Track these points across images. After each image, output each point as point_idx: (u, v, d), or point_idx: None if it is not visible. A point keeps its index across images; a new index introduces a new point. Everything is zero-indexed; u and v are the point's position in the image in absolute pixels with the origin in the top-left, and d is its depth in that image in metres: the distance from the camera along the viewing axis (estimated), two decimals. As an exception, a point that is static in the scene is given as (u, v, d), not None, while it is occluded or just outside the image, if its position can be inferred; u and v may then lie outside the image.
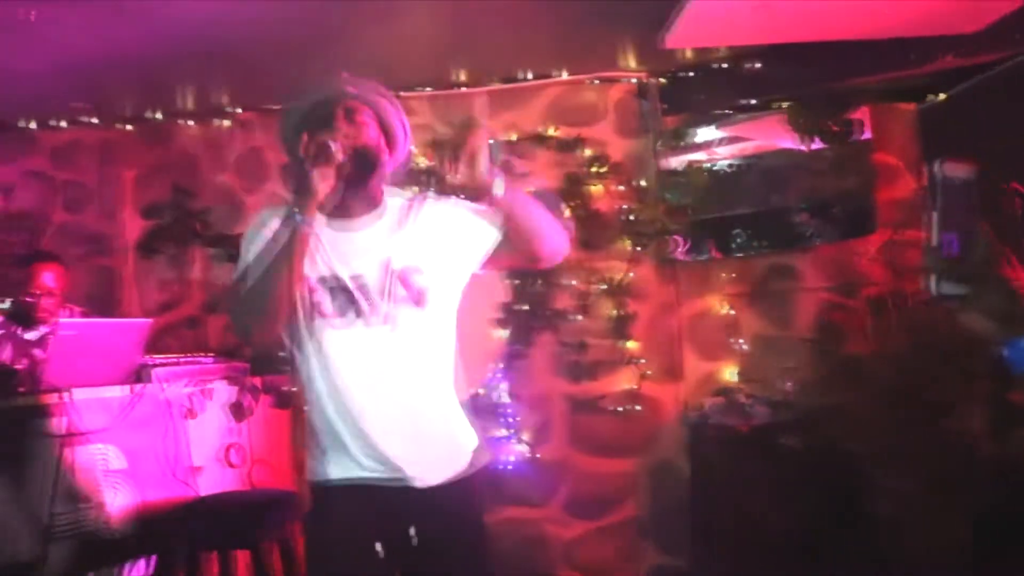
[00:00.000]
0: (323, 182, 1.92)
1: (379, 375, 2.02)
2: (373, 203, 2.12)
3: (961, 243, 3.84)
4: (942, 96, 4.56)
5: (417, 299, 2.05)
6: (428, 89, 4.76)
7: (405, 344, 2.04)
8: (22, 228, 4.92)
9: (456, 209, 2.16)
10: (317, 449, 2.08)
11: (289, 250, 1.91)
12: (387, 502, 2.02)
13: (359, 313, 2.02)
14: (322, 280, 2.03)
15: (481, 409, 4.55)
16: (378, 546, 2.01)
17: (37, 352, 3.89)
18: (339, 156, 1.93)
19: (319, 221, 2.02)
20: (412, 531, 2.04)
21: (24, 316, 4.03)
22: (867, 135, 4.54)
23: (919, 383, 3.79)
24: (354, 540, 2.01)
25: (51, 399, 3.12)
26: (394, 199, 2.16)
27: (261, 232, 2.03)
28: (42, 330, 3.98)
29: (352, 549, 2.01)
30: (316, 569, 2.12)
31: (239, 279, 2.03)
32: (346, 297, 2.03)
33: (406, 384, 2.04)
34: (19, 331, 4.00)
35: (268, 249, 1.96)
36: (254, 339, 2.15)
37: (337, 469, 2.04)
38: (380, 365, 2.02)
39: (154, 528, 3.33)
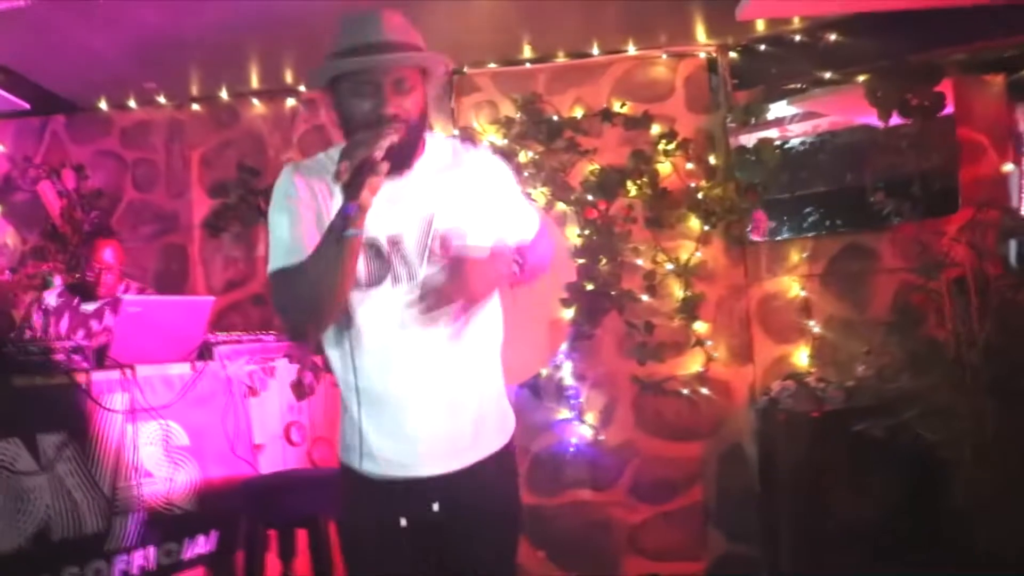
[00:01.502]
0: (373, 191, 1.71)
1: (413, 351, 1.89)
2: (418, 151, 1.96)
3: None
4: (1031, 67, 4.34)
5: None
6: (493, 65, 4.69)
7: (441, 316, 1.89)
8: (95, 207, 5.02)
9: (509, 183, 2.09)
10: (345, 432, 2.02)
11: (341, 262, 1.74)
12: (410, 486, 1.94)
13: (396, 280, 1.89)
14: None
15: (545, 390, 4.50)
16: (403, 521, 1.94)
17: (93, 323, 3.98)
18: (385, 162, 1.73)
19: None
20: (436, 507, 1.95)
21: (84, 290, 4.19)
22: (949, 109, 4.33)
23: (1005, 369, 3.63)
24: (379, 520, 1.96)
25: (116, 375, 3.14)
26: (437, 139, 2.04)
27: (286, 203, 1.89)
28: (99, 303, 4.08)
29: (377, 529, 1.96)
30: (344, 546, 2.08)
31: (277, 270, 1.85)
32: (381, 262, 1.89)
33: (442, 362, 1.92)
34: (77, 303, 4.14)
35: (317, 258, 1.76)
36: (306, 340, 2.07)
37: (360, 459, 1.96)
38: (415, 340, 1.89)
39: (215, 505, 3.36)
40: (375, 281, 1.90)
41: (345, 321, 1.91)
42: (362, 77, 1.84)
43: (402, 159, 1.86)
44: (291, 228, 1.86)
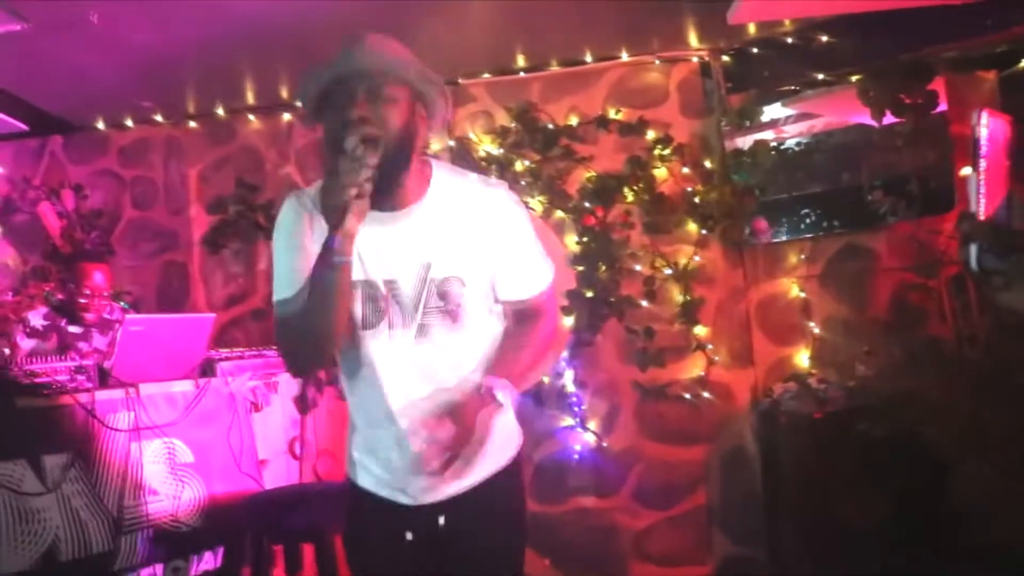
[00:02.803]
0: (359, 217, 1.66)
1: (408, 387, 1.89)
2: (414, 186, 1.87)
3: (1001, 208, 3.57)
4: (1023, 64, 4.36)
5: (454, 315, 1.88)
6: (487, 75, 4.71)
7: (436, 357, 1.89)
8: (95, 226, 5.03)
9: (524, 229, 1.97)
10: (352, 449, 2.05)
11: (334, 291, 1.72)
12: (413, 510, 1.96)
13: (391, 324, 1.87)
14: (354, 285, 1.82)
15: (547, 398, 4.51)
16: (408, 535, 1.95)
17: (82, 345, 3.98)
18: (366, 188, 1.65)
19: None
20: (442, 520, 1.95)
21: (72, 312, 4.13)
22: (942, 107, 4.35)
23: (1005, 365, 3.64)
24: (384, 534, 1.97)
25: (119, 394, 3.16)
26: (444, 174, 1.94)
27: (287, 237, 1.88)
28: (87, 324, 4.07)
29: (382, 542, 1.98)
30: (350, 559, 2.09)
31: (281, 303, 1.84)
32: (376, 306, 1.87)
33: (436, 399, 1.87)
34: (65, 323, 4.09)
35: (311, 289, 1.75)
36: (306, 373, 2.09)
37: (366, 477, 2.00)
38: (409, 377, 1.89)
39: (221, 521, 3.37)
40: (371, 325, 1.88)
41: (350, 351, 1.92)
42: (338, 88, 1.76)
43: (388, 180, 1.76)
44: (292, 261, 1.84)
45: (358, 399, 1.97)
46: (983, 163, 3.35)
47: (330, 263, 1.68)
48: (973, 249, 3.59)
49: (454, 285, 1.87)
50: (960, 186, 4.36)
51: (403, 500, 1.95)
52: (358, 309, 1.86)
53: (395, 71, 1.79)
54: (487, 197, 1.94)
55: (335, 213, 1.65)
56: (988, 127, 3.41)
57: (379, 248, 1.85)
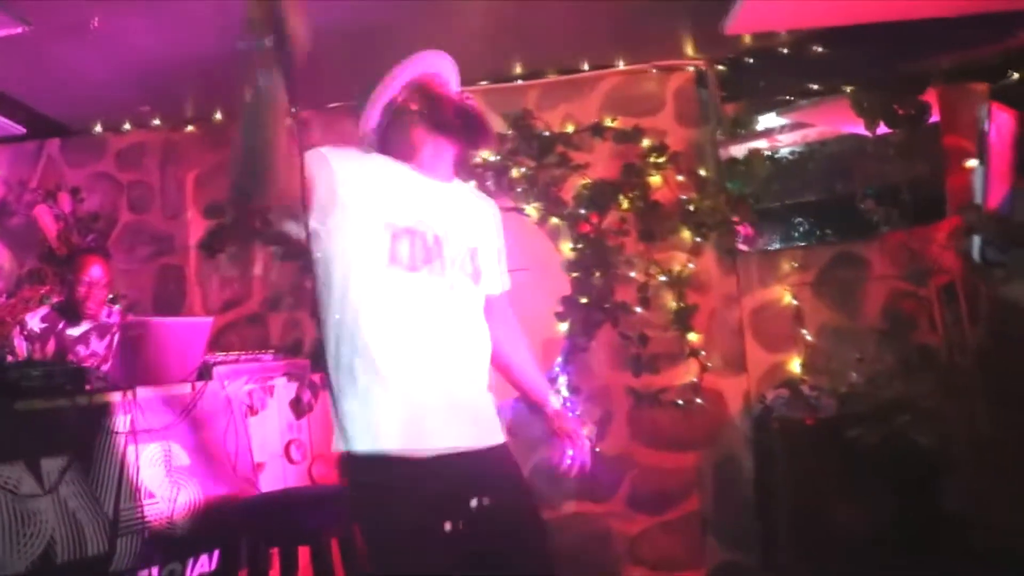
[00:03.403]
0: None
1: (443, 330, 1.99)
2: (453, 173, 2.16)
3: (1005, 201, 3.61)
4: (1015, 75, 4.40)
5: (475, 277, 2.09)
6: (484, 82, 4.74)
7: (463, 309, 2.05)
8: (91, 229, 5.05)
9: (498, 241, 2.26)
10: (365, 410, 1.92)
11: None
12: (450, 474, 1.89)
13: (431, 270, 1.98)
14: (406, 227, 1.96)
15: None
16: (447, 525, 1.86)
17: (80, 348, 3.98)
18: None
19: (404, 167, 2.04)
20: (474, 503, 1.91)
21: (72, 311, 4.10)
22: (935, 118, 4.39)
23: (996, 373, 3.67)
24: (420, 518, 1.85)
25: (117, 397, 3.17)
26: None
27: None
28: (85, 326, 4.07)
29: (418, 528, 1.85)
30: (380, 553, 1.92)
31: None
32: (425, 251, 1.98)
33: (464, 345, 2.04)
34: (63, 327, 4.09)
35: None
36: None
37: (393, 435, 1.89)
38: (445, 321, 1.99)
39: (217, 524, 3.37)
40: (414, 267, 1.96)
41: (377, 292, 1.93)
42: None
43: (468, 135, 2.13)
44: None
45: (387, 341, 1.91)
46: (989, 156, 3.37)
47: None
48: (976, 241, 3.62)
49: (480, 254, 2.12)
50: (951, 195, 4.41)
51: (438, 444, 1.90)
52: (406, 250, 1.95)
53: None
54: (485, 200, 2.29)
55: None
56: (994, 121, 3.44)
57: (435, 201, 2.05)
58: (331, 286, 1.95)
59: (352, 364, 1.93)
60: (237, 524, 3.35)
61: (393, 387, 1.91)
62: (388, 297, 1.93)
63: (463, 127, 2.09)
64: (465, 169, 4.52)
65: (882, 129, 4.40)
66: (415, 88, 2.12)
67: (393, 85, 2.12)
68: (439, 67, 2.18)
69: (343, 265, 1.93)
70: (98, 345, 4.06)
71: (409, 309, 1.95)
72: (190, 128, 5.08)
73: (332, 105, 4.85)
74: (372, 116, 2.13)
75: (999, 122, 3.52)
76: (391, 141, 2.10)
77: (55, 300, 4.46)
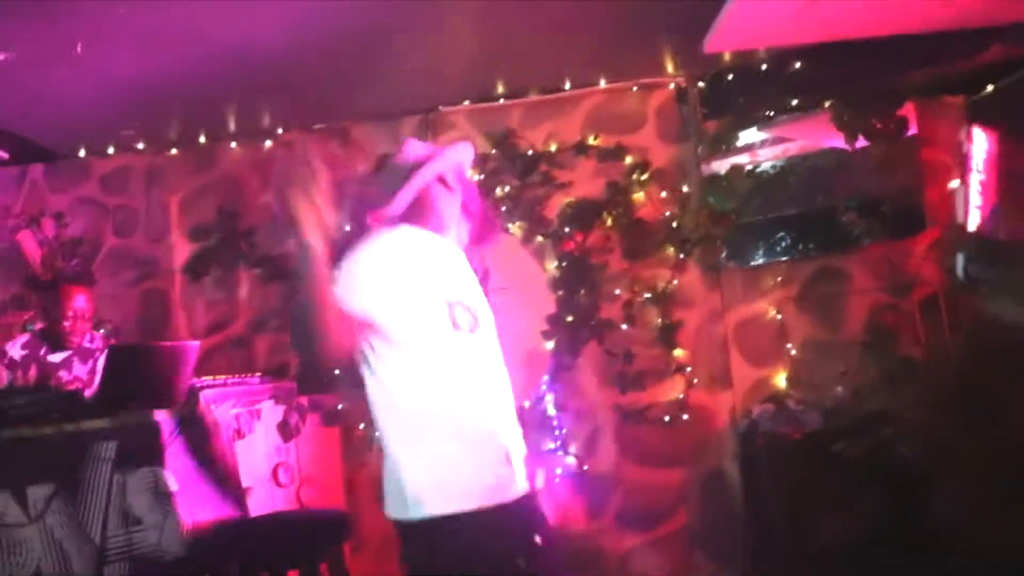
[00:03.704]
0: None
1: (491, 384, 2.15)
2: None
3: (988, 220, 3.68)
4: (990, 88, 4.46)
5: (488, 323, 2.22)
6: (467, 102, 4.76)
7: (494, 357, 2.20)
8: (75, 254, 5.03)
9: None
10: (439, 470, 2.02)
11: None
12: (516, 516, 2.06)
13: (473, 329, 2.13)
14: (458, 297, 2.13)
15: (528, 422, 4.53)
16: (520, 561, 2.01)
17: (62, 374, 3.96)
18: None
19: (440, 238, 2.22)
20: (537, 538, 2.07)
21: (55, 339, 4.09)
22: (913, 131, 4.44)
23: (977, 384, 3.70)
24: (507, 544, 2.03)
25: (102, 423, 3.15)
26: None
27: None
28: (66, 353, 4.05)
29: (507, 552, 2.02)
30: None
31: None
32: (472, 314, 2.14)
33: (504, 392, 2.19)
34: (44, 352, 4.07)
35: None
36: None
37: (459, 495, 2.00)
38: (490, 374, 2.16)
39: (205, 549, 3.35)
40: (468, 327, 2.12)
41: (439, 358, 2.08)
42: None
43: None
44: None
45: (447, 404, 2.05)
46: (972, 177, 3.43)
47: None
48: (960, 259, 3.68)
49: (487, 305, 2.24)
50: (931, 208, 4.46)
51: (502, 498, 2.04)
52: (461, 314, 2.10)
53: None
54: None
55: None
56: (976, 142, 3.50)
57: (464, 268, 2.24)
58: (389, 358, 2.05)
59: (424, 427, 2.04)
60: (226, 549, 3.33)
61: (468, 443, 2.05)
62: (458, 360, 2.09)
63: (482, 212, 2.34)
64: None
65: (861, 142, 4.44)
66: (454, 174, 2.29)
67: (431, 170, 2.25)
68: (467, 158, 2.37)
69: (408, 337, 2.04)
70: (81, 370, 4.05)
71: (476, 369, 2.13)
72: (174, 151, 5.08)
73: (317, 127, 4.88)
74: (404, 200, 2.22)
75: (980, 142, 3.59)
76: (421, 215, 2.23)
77: (38, 327, 4.43)
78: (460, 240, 2.30)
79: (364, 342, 2.03)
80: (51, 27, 3.51)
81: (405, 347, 2.04)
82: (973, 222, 3.61)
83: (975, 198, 3.59)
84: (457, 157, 2.33)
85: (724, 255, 4.61)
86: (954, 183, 3.78)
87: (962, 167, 3.66)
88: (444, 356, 2.06)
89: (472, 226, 2.32)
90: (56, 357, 4.06)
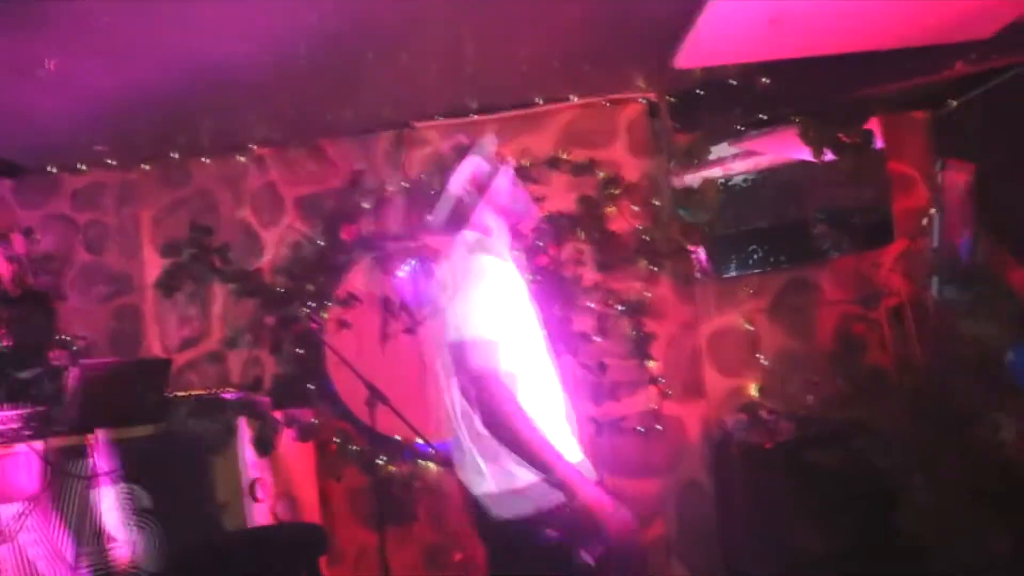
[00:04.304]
0: None
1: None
2: None
3: (963, 247, 3.79)
4: (954, 103, 4.55)
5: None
6: (440, 118, 4.79)
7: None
8: (46, 270, 4.99)
9: None
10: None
11: None
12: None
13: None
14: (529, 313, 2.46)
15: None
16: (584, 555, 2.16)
17: (32, 391, 3.91)
18: None
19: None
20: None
21: (18, 358, 4.01)
22: (879, 145, 4.52)
23: (944, 393, 3.77)
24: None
25: (76, 440, 3.14)
26: None
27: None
28: (35, 370, 4.00)
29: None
30: None
31: None
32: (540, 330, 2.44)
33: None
34: (12, 371, 4.01)
35: None
36: None
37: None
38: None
39: (181, 565, 3.34)
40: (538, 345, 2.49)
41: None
42: None
43: None
44: None
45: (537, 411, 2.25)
46: (943, 207, 3.56)
47: None
48: (935, 281, 3.78)
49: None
50: (898, 220, 4.54)
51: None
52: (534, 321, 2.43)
53: None
54: None
55: None
56: (947, 175, 3.63)
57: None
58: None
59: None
60: (203, 565, 3.32)
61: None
62: (540, 363, 2.44)
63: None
64: (422, 204, 4.57)
65: (830, 156, 4.51)
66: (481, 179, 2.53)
67: (465, 173, 2.52)
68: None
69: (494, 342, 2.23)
70: (50, 387, 4.00)
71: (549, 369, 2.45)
72: (145, 167, 5.05)
73: (286, 141, 4.88)
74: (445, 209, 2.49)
75: (952, 176, 3.70)
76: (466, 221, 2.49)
77: (5, 344, 4.37)
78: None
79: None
80: (21, 41, 3.49)
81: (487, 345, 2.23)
82: (948, 248, 3.72)
83: (947, 226, 3.70)
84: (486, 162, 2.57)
85: (698, 268, 4.65)
86: (932, 211, 3.89)
87: (937, 196, 3.76)
88: (526, 360, 2.38)
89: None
90: (26, 375, 4.02)
